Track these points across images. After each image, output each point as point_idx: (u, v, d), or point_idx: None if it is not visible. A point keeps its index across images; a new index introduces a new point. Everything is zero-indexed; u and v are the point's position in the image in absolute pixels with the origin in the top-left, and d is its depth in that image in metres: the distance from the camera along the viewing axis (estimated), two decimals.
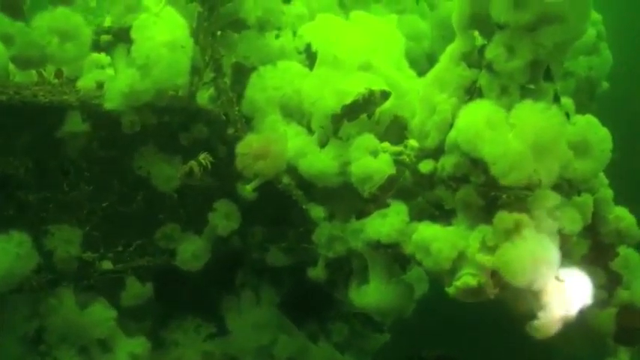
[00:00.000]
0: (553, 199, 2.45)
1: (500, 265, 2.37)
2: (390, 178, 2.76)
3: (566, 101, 2.84)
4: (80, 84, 3.13)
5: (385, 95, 2.90)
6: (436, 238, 2.58)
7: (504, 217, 2.39)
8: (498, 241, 2.42)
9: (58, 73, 3.40)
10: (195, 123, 3.30)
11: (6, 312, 2.98)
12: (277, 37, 3.41)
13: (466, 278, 2.50)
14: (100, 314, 3.23)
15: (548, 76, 2.73)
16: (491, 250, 2.46)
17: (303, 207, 3.24)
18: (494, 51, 2.52)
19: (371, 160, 2.86)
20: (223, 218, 3.38)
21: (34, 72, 3.30)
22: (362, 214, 2.89)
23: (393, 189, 2.78)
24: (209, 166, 2.90)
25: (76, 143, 3.08)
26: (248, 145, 2.95)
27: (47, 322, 3.12)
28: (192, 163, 2.92)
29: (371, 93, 2.85)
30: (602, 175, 2.89)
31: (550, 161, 2.32)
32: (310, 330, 4.12)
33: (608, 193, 2.87)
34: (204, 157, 2.92)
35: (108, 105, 2.95)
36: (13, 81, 3.10)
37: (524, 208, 2.44)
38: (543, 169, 2.31)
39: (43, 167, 3.09)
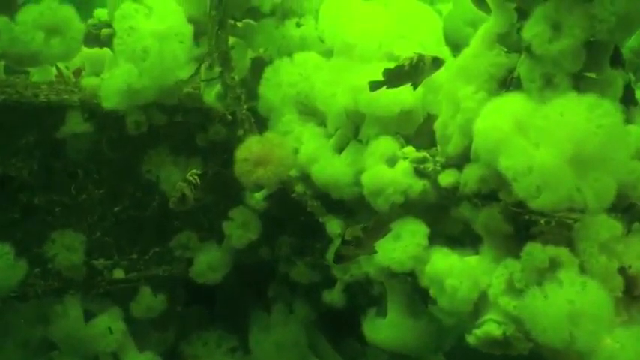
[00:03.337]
0: (609, 228, 1.79)
1: (526, 315, 1.77)
2: (378, 220, 2.19)
3: None
4: (86, 82, 2.94)
5: (437, 63, 2.32)
6: (451, 273, 2.03)
7: (535, 252, 1.78)
8: (528, 281, 1.82)
9: (76, 71, 3.29)
10: (212, 123, 3.01)
11: (9, 316, 2.88)
12: (298, 25, 2.99)
13: (489, 326, 1.93)
14: (106, 326, 3.04)
15: (618, 62, 2.06)
16: (519, 292, 1.87)
17: (320, 220, 2.84)
18: (533, 29, 1.90)
19: (384, 169, 2.36)
20: (239, 228, 3.06)
21: (53, 70, 3.21)
22: (340, 259, 2.20)
23: (381, 234, 2.17)
24: (198, 182, 2.54)
25: (80, 144, 2.90)
26: (248, 149, 2.57)
27: (50, 330, 2.98)
28: (182, 185, 2.53)
29: (420, 58, 2.28)
30: None
31: (600, 177, 1.67)
32: (351, 350, 3.71)
33: None
34: (191, 174, 2.56)
35: (105, 104, 2.73)
36: (21, 79, 2.99)
37: (567, 240, 1.82)
38: (590, 189, 1.67)
39: (49, 169, 2.94)
